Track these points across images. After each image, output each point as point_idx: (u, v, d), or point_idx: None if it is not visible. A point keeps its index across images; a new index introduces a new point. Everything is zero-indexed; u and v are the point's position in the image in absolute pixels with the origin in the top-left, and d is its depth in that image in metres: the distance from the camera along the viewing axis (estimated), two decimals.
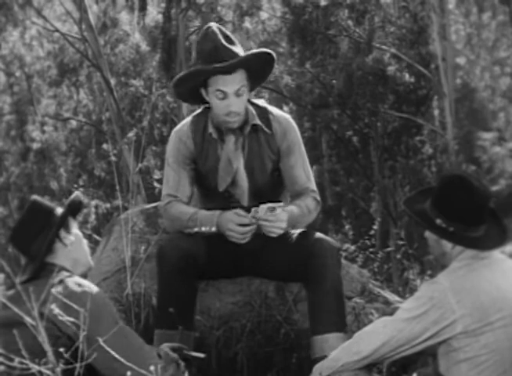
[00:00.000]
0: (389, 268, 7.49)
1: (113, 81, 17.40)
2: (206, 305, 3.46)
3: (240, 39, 18.30)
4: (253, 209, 3.05)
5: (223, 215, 3.09)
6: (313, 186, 3.33)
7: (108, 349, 2.31)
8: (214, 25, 3.21)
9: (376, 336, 2.64)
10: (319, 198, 3.33)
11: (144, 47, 18.70)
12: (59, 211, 2.71)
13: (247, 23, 17.93)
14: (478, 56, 19.62)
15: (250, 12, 17.77)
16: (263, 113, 3.30)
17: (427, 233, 2.73)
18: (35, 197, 2.78)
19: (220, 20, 17.67)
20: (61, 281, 2.54)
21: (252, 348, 3.37)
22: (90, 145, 20.54)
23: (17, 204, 20.53)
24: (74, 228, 2.77)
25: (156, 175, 16.66)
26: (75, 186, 18.83)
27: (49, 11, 19.13)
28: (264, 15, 18.30)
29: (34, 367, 2.19)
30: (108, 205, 18.21)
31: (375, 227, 6.40)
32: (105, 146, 18.89)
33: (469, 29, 19.84)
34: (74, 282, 2.53)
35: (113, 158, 4.02)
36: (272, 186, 3.31)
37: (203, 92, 3.20)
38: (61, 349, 2.29)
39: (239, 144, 3.24)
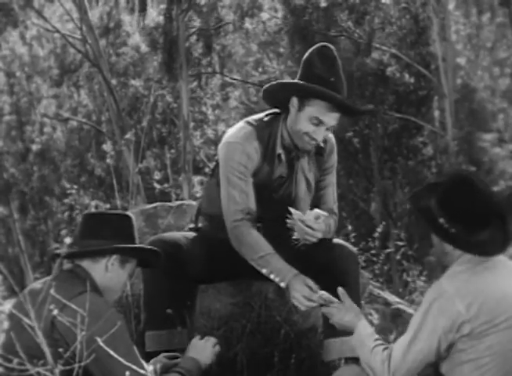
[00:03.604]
0: (389, 269, 7.48)
1: (113, 82, 17.40)
2: (206, 306, 3.46)
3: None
4: (307, 212, 3.03)
5: (296, 280, 2.97)
6: (336, 208, 3.36)
7: (109, 352, 2.28)
8: (333, 48, 3.16)
9: (401, 364, 2.61)
10: (337, 221, 3.34)
11: (144, 48, 18.70)
12: (137, 245, 2.67)
13: (248, 24, 17.93)
14: (478, 56, 19.62)
15: (251, 13, 17.77)
16: None
17: (432, 237, 2.72)
18: (132, 215, 2.72)
19: (220, 21, 17.69)
20: (82, 292, 2.48)
21: (252, 349, 3.36)
22: (90, 145, 20.53)
23: (17, 205, 20.52)
24: (128, 270, 2.69)
25: (157, 175, 16.65)
26: (75, 186, 18.83)
27: (50, 11, 19.12)
28: (264, 15, 18.30)
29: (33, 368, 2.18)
30: (108, 206, 18.20)
31: (379, 230, 6.36)
32: (104, 146, 18.89)
33: (469, 29, 19.84)
34: (93, 298, 2.46)
35: (109, 160, 3.99)
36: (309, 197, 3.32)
37: (294, 101, 3.10)
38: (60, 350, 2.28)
39: (311, 164, 3.24)
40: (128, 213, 2.75)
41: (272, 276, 3.02)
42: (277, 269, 3.01)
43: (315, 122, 3.05)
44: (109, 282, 2.63)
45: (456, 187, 2.62)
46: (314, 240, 3.02)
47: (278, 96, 3.16)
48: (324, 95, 3.00)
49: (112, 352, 2.23)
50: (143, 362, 2.56)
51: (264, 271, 3.03)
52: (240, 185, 3.10)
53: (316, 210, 3.02)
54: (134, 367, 2.32)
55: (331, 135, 3.33)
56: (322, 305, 2.91)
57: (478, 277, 2.59)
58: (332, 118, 3.06)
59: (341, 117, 3.14)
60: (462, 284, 2.56)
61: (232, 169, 3.12)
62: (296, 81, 3.11)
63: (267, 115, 3.22)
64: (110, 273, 2.63)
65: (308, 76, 3.06)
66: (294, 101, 3.08)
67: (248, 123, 3.19)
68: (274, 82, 3.15)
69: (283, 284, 2.99)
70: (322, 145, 3.23)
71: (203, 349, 2.82)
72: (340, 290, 2.86)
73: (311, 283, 2.96)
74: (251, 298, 3.50)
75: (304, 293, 2.93)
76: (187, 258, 3.11)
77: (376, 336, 2.73)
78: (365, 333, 2.74)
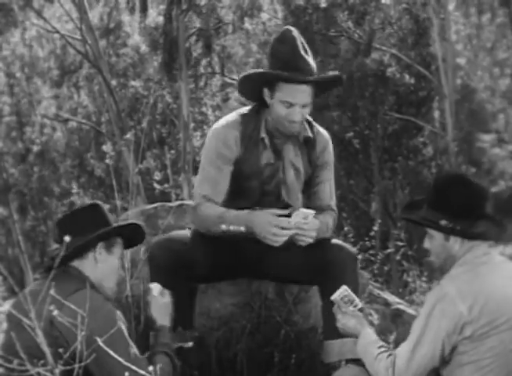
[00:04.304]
0: (389, 269, 7.48)
1: (113, 83, 17.40)
2: (206, 306, 3.46)
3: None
4: (294, 213, 2.98)
5: (256, 215, 3.01)
6: (335, 205, 3.35)
7: (104, 355, 2.28)
8: (294, 30, 3.18)
9: (405, 370, 2.60)
10: (336, 218, 3.33)
11: (144, 48, 18.70)
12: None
13: (247, 24, 17.93)
14: (478, 56, 19.62)
15: (250, 13, 17.77)
16: (310, 125, 3.32)
17: (430, 239, 2.71)
18: (100, 202, 2.74)
19: (220, 21, 17.69)
20: (76, 290, 2.50)
21: (252, 349, 3.36)
22: (90, 146, 20.53)
23: (17, 206, 20.52)
24: (117, 254, 2.70)
25: (157, 176, 16.66)
26: (75, 186, 18.82)
27: (49, 12, 19.12)
28: (264, 16, 18.30)
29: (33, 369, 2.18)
30: (108, 206, 18.19)
31: (375, 228, 6.37)
32: (104, 147, 18.87)
33: (469, 30, 19.84)
34: (90, 295, 2.46)
35: (108, 161, 3.99)
36: (299, 191, 3.32)
37: (266, 92, 3.16)
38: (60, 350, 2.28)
39: (297, 151, 3.26)
40: (95, 201, 2.76)
41: (231, 228, 3.03)
42: (233, 218, 3.03)
43: (286, 105, 3.10)
44: (101, 273, 2.65)
45: (447, 186, 2.65)
46: (309, 240, 3.01)
47: (252, 91, 3.22)
48: (285, 78, 3.07)
49: (111, 352, 2.24)
50: (142, 357, 2.56)
51: (223, 227, 3.04)
52: (212, 173, 3.16)
53: (302, 209, 2.99)
54: (134, 368, 2.32)
55: (324, 132, 3.36)
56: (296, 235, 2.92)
57: (479, 279, 2.59)
58: (301, 97, 3.10)
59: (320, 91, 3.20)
60: (463, 286, 2.56)
61: (208, 157, 3.18)
62: (258, 70, 3.20)
63: (259, 104, 3.27)
64: (101, 264, 2.64)
65: (272, 63, 3.13)
66: (265, 91, 3.15)
67: (237, 111, 3.28)
68: (242, 78, 3.20)
69: (242, 228, 3.01)
70: (310, 135, 3.26)
71: (166, 308, 2.82)
72: (344, 288, 2.87)
73: (272, 210, 2.99)
74: (251, 298, 3.50)
75: (272, 221, 2.94)
76: (189, 257, 3.11)
77: (381, 343, 2.73)
78: (369, 340, 2.74)
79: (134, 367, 2.31)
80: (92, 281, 2.62)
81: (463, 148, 16.64)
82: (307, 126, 3.28)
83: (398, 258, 6.48)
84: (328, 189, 3.33)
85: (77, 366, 2.19)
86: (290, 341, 3.40)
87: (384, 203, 17.85)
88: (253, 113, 3.25)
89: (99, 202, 2.76)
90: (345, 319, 2.82)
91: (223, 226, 3.05)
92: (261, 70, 3.19)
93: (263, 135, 3.20)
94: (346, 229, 6.29)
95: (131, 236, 2.79)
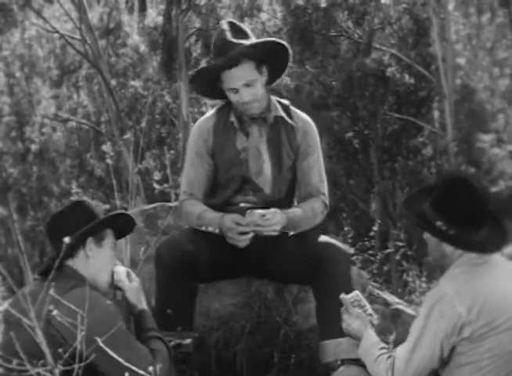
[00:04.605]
0: (389, 269, 7.47)
1: (112, 82, 17.39)
2: (205, 306, 3.45)
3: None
4: (247, 212, 3.10)
5: (225, 219, 3.12)
6: (324, 189, 3.35)
7: (107, 350, 2.28)
8: (224, 21, 3.25)
9: (404, 372, 2.60)
10: (327, 202, 3.34)
11: (143, 48, 18.69)
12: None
13: (247, 24, 17.92)
14: (477, 56, 19.62)
15: (250, 13, 17.76)
16: (286, 109, 3.34)
17: (427, 235, 2.71)
18: (86, 198, 2.75)
19: (219, 22, 17.67)
20: (72, 287, 2.50)
21: (251, 349, 3.36)
22: (89, 146, 20.52)
23: (16, 205, 20.51)
24: (109, 246, 2.70)
25: (156, 176, 16.64)
26: (74, 187, 18.80)
27: (49, 12, 19.11)
28: (264, 16, 18.29)
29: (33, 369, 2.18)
30: (108, 206, 18.20)
31: (375, 229, 6.36)
32: (104, 147, 18.87)
33: (469, 30, 19.84)
34: (84, 291, 2.46)
35: (108, 161, 4.01)
36: (283, 181, 3.32)
37: (220, 84, 3.23)
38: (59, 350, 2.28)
39: (263, 132, 3.28)
40: (80, 198, 2.78)
41: (210, 229, 3.16)
42: (209, 220, 3.17)
43: (234, 91, 3.18)
44: (94, 269, 2.65)
45: (450, 189, 2.61)
46: (272, 233, 3.09)
47: (208, 89, 3.32)
48: (212, 69, 3.19)
49: (111, 350, 2.24)
50: (143, 346, 2.57)
51: (203, 229, 3.18)
52: (191, 171, 3.30)
53: (257, 211, 3.08)
54: (134, 368, 2.32)
55: (304, 115, 3.38)
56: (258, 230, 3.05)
57: (478, 279, 2.58)
58: (238, 78, 3.16)
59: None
60: (462, 286, 2.56)
61: (188, 155, 3.33)
62: (195, 70, 3.33)
63: None
64: (92, 259, 2.64)
65: (214, 60, 3.22)
66: (220, 84, 3.22)
67: (215, 107, 3.39)
68: (190, 83, 3.38)
69: (217, 231, 3.13)
70: (281, 114, 3.29)
71: (138, 291, 2.82)
72: (356, 292, 2.89)
73: (238, 218, 3.08)
74: (251, 298, 3.50)
75: (234, 229, 3.06)
76: (195, 256, 3.11)
77: (382, 345, 2.73)
78: (370, 342, 2.74)
79: (135, 368, 2.31)
80: (86, 277, 2.61)
81: (463, 148, 16.63)
82: (279, 108, 3.31)
83: (397, 258, 6.48)
84: (317, 175, 3.33)
85: (76, 366, 2.19)
86: (290, 341, 3.40)
87: (384, 203, 17.84)
88: (226, 104, 3.33)
89: (84, 198, 2.78)
90: (350, 320, 2.82)
91: (203, 227, 3.18)
92: (199, 69, 3.30)
93: (232, 119, 3.27)
94: (346, 229, 6.28)
95: (121, 226, 2.78)
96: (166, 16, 17.18)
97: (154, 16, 18.61)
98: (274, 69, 3.28)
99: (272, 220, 3.07)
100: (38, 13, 18.01)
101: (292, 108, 3.36)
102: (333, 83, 17.10)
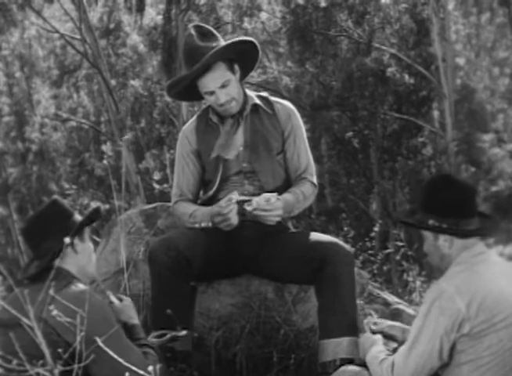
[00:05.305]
0: (389, 269, 7.48)
1: (112, 82, 17.40)
2: (205, 306, 3.45)
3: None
4: (227, 196, 3.17)
5: (212, 210, 3.22)
6: (312, 170, 3.43)
7: (106, 349, 2.29)
8: (191, 26, 3.32)
9: (403, 369, 2.61)
10: (315, 181, 3.41)
11: (143, 48, 18.70)
12: (78, 217, 2.72)
13: (247, 24, 17.92)
14: (477, 55, 19.63)
15: (250, 13, 17.77)
16: (264, 99, 3.42)
17: (425, 244, 2.73)
18: (57, 197, 2.79)
19: (219, 21, 17.68)
20: (66, 285, 2.53)
21: (251, 349, 3.36)
22: (89, 146, 20.54)
23: (16, 205, 20.52)
24: (87, 238, 2.78)
25: (156, 175, 16.65)
26: (74, 186, 18.82)
27: (49, 11, 19.12)
28: (263, 15, 18.29)
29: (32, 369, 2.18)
30: (107, 206, 18.22)
31: (376, 229, 6.37)
32: (104, 147, 18.88)
33: (468, 30, 19.85)
34: (78, 288, 2.53)
35: (105, 162, 4.06)
36: (277, 166, 3.36)
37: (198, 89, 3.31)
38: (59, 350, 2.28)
39: (235, 124, 3.35)
40: (53, 197, 2.79)
41: (203, 225, 3.25)
42: (201, 216, 3.26)
43: (209, 94, 3.26)
44: (83, 260, 2.72)
45: (435, 187, 2.68)
46: (276, 218, 3.15)
47: (189, 96, 3.42)
48: (187, 78, 3.27)
49: (108, 350, 2.25)
50: (136, 348, 2.59)
51: (197, 226, 3.26)
52: (180, 174, 3.41)
53: (265, 194, 3.14)
54: (134, 368, 2.33)
55: (285, 101, 3.46)
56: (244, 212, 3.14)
57: (477, 276, 2.59)
58: (212, 82, 3.24)
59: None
60: (461, 283, 2.57)
61: (176, 160, 3.43)
62: (169, 83, 3.42)
63: None
64: (81, 253, 2.70)
65: (185, 66, 3.31)
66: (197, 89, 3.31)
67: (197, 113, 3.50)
68: (168, 94, 3.46)
69: (210, 224, 3.21)
70: (257, 102, 3.35)
71: (130, 309, 2.86)
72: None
73: (223, 201, 3.16)
74: (250, 298, 3.50)
75: (221, 210, 3.14)
76: (187, 255, 3.11)
77: (388, 352, 2.75)
78: (377, 349, 2.76)
79: (134, 368, 2.32)
80: (75, 274, 2.66)
81: (463, 148, 16.65)
82: (255, 98, 3.38)
83: (397, 258, 6.48)
84: (304, 157, 3.40)
85: (76, 366, 2.19)
86: (290, 341, 3.40)
87: (384, 203, 17.86)
88: (206, 107, 3.42)
89: (57, 197, 2.80)
90: (364, 339, 2.90)
91: (196, 225, 3.26)
92: (177, 78, 3.38)
93: (210, 115, 3.36)
94: (346, 229, 6.29)
95: (93, 217, 2.84)
96: (166, 15, 17.20)
97: (154, 15, 18.62)
98: (245, 64, 3.32)
99: (276, 204, 3.13)
100: (38, 13, 18.01)
101: (271, 98, 3.44)
102: (333, 83, 17.12)
